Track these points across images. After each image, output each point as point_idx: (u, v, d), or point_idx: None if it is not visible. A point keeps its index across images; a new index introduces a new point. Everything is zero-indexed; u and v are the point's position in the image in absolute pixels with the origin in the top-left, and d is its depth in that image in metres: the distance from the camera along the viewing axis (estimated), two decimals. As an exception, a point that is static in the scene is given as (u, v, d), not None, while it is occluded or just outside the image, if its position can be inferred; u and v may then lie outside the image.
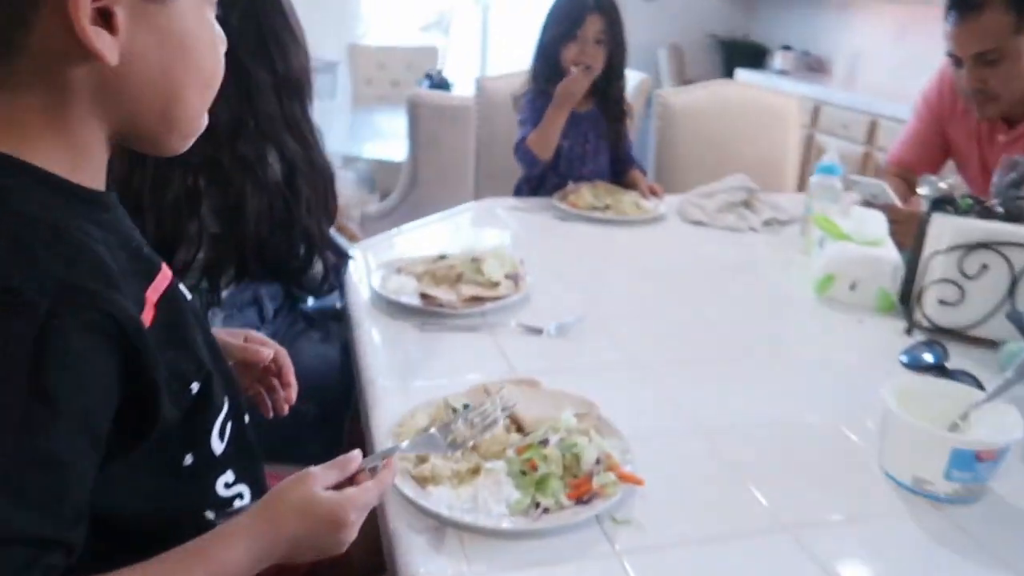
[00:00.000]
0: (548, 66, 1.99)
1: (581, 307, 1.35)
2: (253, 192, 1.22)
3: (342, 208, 1.70)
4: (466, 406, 0.95)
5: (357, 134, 4.15)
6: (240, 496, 0.76)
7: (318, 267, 1.37)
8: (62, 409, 0.52)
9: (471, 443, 0.86)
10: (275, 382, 0.96)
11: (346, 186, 3.68)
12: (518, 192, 2.14)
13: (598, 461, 0.87)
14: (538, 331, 1.25)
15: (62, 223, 0.55)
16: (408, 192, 3.17)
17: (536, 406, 0.97)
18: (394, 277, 1.38)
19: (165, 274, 0.67)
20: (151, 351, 0.57)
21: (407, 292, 1.34)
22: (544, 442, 0.88)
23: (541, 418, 0.94)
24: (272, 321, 1.39)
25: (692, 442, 1.00)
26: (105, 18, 0.55)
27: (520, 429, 0.94)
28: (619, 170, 2.14)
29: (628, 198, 1.94)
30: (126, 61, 0.57)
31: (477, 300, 1.31)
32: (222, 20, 1.23)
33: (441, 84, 3.84)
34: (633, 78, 3.03)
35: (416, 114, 2.95)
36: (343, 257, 1.46)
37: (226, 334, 0.94)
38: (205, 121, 0.67)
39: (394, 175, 3.32)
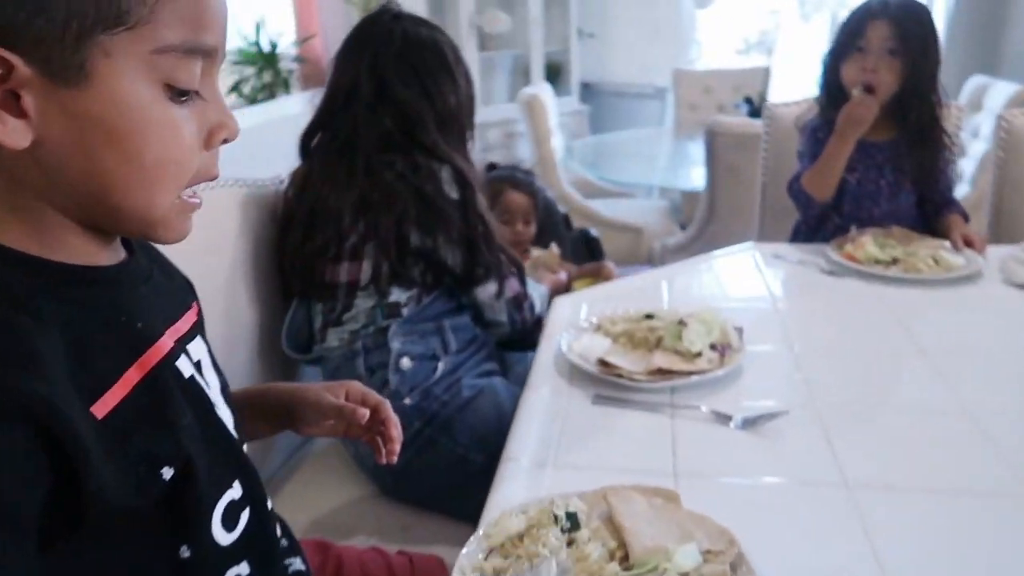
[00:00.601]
0: (830, 88, 1.68)
1: (806, 394, 1.08)
2: (412, 200, 1.29)
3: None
4: (570, 515, 0.78)
5: (674, 162, 4.01)
6: None
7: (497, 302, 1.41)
8: None
9: None
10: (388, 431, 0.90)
11: (652, 217, 3.56)
12: (795, 235, 1.84)
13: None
14: (726, 420, 1.02)
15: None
16: (705, 225, 2.96)
17: (656, 530, 0.77)
18: (586, 335, 1.24)
19: (161, 347, 0.62)
20: (82, 440, 0.53)
21: (595, 354, 1.18)
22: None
23: (655, 549, 0.74)
24: (456, 354, 1.35)
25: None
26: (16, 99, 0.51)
27: (626, 558, 0.75)
28: (929, 213, 1.73)
29: (926, 251, 1.55)
30: (45, 147, 0.53)
31: (664, 373, 1.12)
32: (378, 55, 1.27)
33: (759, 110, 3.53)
34: (1000, 92, 2.53)
35: (714, 143, 2.74)
36: (523, 296, 1.45)
37: (323, 388, 0.89)
38: (172, 209, 0.60)
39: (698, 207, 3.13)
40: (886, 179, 1.68)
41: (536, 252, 1.93)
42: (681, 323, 1.20)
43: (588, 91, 5.30)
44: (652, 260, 3.37)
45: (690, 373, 1.11)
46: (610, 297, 1.48)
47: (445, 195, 1.30)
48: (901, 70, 1.59)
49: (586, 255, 2.20)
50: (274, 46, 4.96)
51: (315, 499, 1.32)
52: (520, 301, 1.43)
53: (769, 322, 1.34)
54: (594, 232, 2.22)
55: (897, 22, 1.57)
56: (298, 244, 1.31)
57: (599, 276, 2.01)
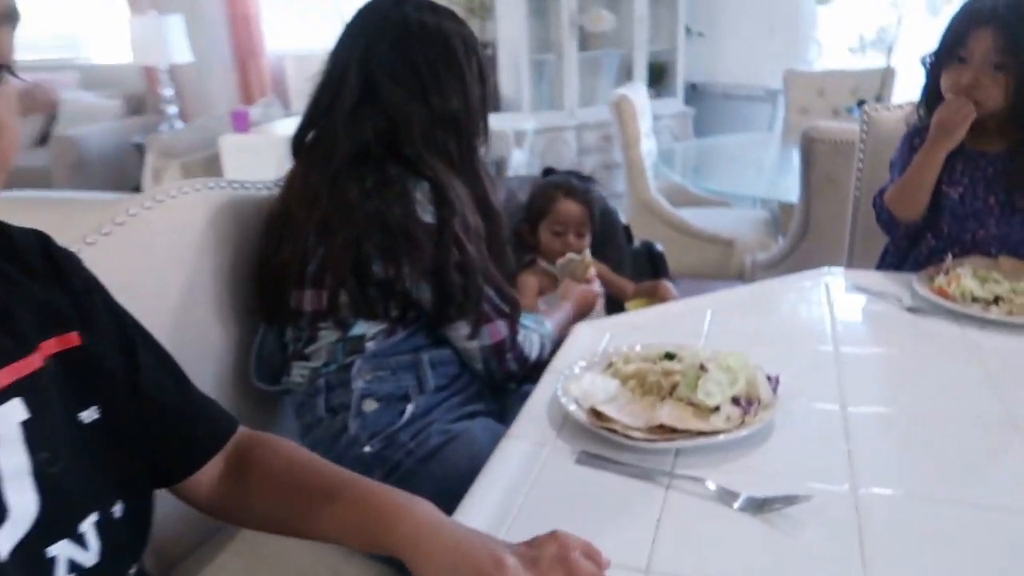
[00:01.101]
0: (930, 96, 1.41)
1: (846, 473, 0.86)
2: (375, 223, 1.12)
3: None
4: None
5: (779, 170, 3.69)
6: None
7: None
8: None
9: None
10: None
11: (747, 228, 3.28)
12: (883, 259, 1.58)
13: None
14: (731, 499, 0.81)
15: None
16: (799, 241, 2.67)
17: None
18: (590, 375, 1.05)
19: None
20: None
21: (594, 399, 0.99)
22: None
23: None
24: (434, 392, 1.17)
25: None
26: None
27: None
28: (1053, 242, 1.43)
29: (1041, 289, 1.26)
30: None
31: (668, 431, 0.91)
32: (371, 45, 1.10)
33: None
34: None
35: (810, 150, 2.45)
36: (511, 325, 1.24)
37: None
38: None
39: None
40: (997, 196, 1.40)
41: (562, 260, 1.71)
42: (702, 368, 0.99)
43: (694, 93, 5.02)
44: (743, 276, 3.10)
45: (699, 433, 0.91)
46: (639, 327, 1.28)
47: (416, 218, 1.12)
48: (1010, 84, 1.33)
49: (649, 272, 1.98)
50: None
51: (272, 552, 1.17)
52: (502, 350, 1.23)
53: (823, 371, 1.11)
54: (659, 247, 2.00)
55: (1006, 30, 1.30)
56: (267, 260, 1.18)
57: (655, 296, 1.79)
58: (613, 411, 0.95)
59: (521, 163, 4.22)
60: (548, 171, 1.95)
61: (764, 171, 3.80)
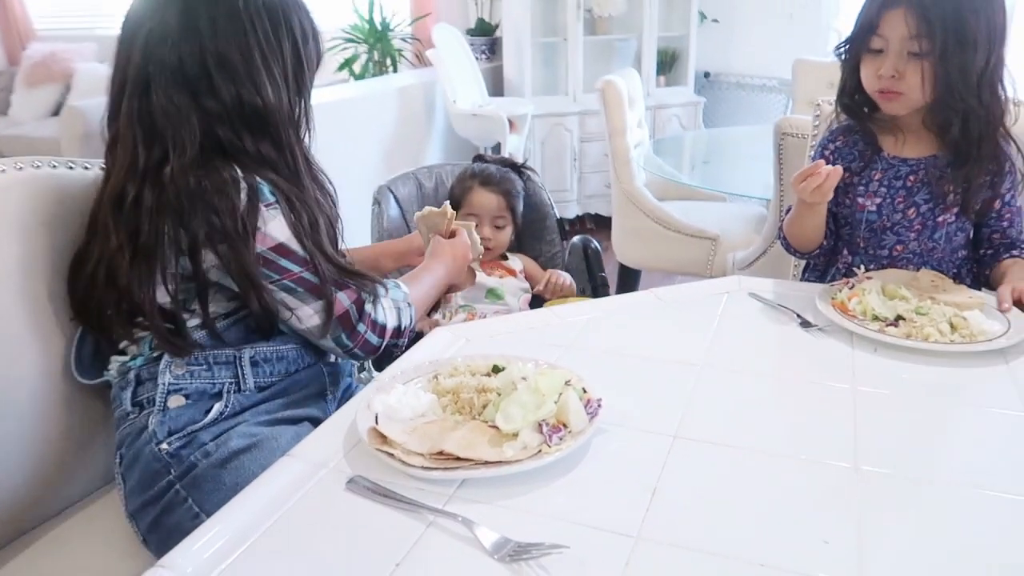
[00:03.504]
0: (847, 89, 1.27)
1: (636, 521, 0.75)
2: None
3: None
4: None
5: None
6: None
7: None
8: None
9: None
10: None
11: (736, 225, 3.12)
12: (805, 271, 1.44)
13: None
14: (496, 546, 0.71)
15: None
16: (773, 240, 2.52)
17: None
18: (402, 387, 0.95)
19: None
20: None
21: (398, 415, 0.90)
22: None
23: None
24: (254, 392, 1.09)
25: None
26: None
27: None
28: (985, 256, 1.28)
29: (948, 308, 1.12)
30: None
31: (451, 460, 0.81)
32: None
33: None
34: None
35: (783, 144, 2.30)
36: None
37: None
38: None
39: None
40: (918, 208, 1.25)
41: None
42: (518, 383, 0.89)
43: (707, 81, 4.84)
44: (726, 275, 2.95)
45: (483, 464, 0.80)
46: (497, 333, 1.18)
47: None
48: (933, 71, 1.16)
49: (584, 267, 1.87)
50: (386, 23, 4.89)
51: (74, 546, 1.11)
52: (349, 321, 1.11)
53: (674, 394, 0.99)
54: (595, 243, 1.89)
55: (919, 11, 1.14)
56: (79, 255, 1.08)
57: (562, 290, 1.69)
58: (397, 433, 0.85)
59: (517, 148, 4.11)
60: (478, 158, 1.85)
61: (768, 165, 3.64)
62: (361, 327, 1.12)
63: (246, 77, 1.03)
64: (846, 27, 4.21)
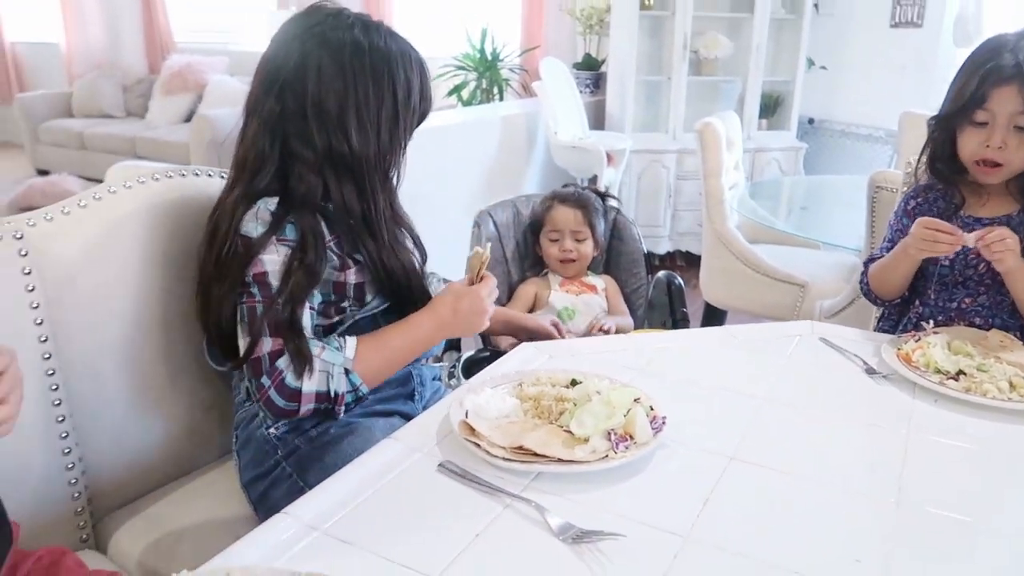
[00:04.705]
0: (938, 152, 1.33)
1: (684, 524, 0.85)
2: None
3: None
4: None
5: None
6: None
7: None
8: None
9: None
10: None
11: (828, 272, 3.14)
12: (880, 321, 1.50)
13: None
14: (562, 529, 0.82)
15: None
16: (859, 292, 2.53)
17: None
18: (490, 391, 1.07)
19: None
20: None
21: (485, 414, 1.02)
22: None
23: None
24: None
25: None
26: None
27: None
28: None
29: (1010, 368, 1.17)
30: None
31: (529, 454, 0.93)
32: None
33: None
34: None
35: (876, 197, 2.33)
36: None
37: None
38: None
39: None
40: (990, 264, 1.30)
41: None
42: (589, 397, 1.00)
43: (811, 128, 4.83)
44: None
45: (555, 460, 0.92)
46: (579, 352, 1.29)
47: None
48: None
49: (667, 303, 1.96)
50: (496, 54, 5.10)
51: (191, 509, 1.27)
52: (258, 369, 1.07)
53: (735, 422, 1.08)
54: (679, 280, 1.98)
55: None
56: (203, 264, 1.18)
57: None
58: (485, 427, 0.97)
59: (613, 182, 4.21)
60: (565, 187, 1.98)
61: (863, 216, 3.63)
62: (265, 380, 1.07)
63: (338, 126, 1.12)
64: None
